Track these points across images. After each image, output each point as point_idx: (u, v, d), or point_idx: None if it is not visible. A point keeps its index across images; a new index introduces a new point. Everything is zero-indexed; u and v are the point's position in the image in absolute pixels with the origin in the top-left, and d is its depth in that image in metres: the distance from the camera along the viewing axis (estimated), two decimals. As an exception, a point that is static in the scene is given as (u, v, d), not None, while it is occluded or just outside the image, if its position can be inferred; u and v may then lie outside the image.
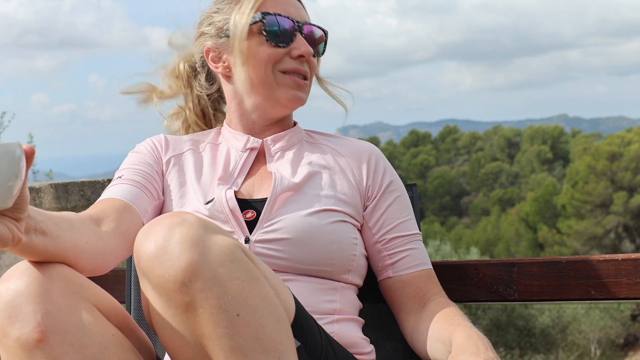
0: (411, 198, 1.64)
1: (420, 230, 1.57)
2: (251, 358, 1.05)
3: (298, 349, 1.15)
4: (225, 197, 1.44)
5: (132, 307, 1.68)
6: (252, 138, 1.55)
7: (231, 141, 1.56)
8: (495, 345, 12.52)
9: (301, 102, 1.53)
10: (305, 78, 1.53)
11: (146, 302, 1.13)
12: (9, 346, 1.07)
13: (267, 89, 1.51)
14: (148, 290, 1.11)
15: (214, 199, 1.45)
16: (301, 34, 1.51)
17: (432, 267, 1.53)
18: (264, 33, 1.49)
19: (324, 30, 1.57)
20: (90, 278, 1.21)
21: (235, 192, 1.47)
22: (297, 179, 1.48)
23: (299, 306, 1.23)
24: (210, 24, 1.55)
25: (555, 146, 49.26)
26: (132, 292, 1.69)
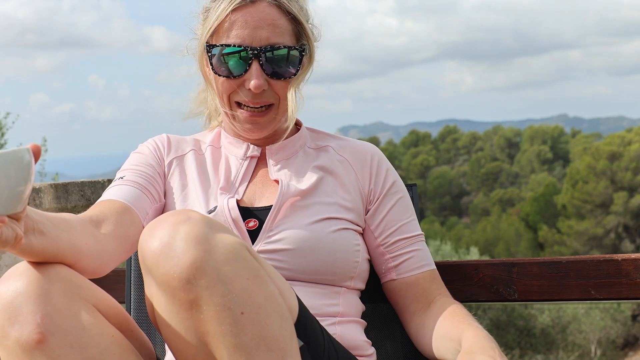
0: (411, 198, 1.63)
1: (422, 232, 1.56)
2: (255, 356, 1.05)
3: (301, 348, 1.15)
4: (228, 206, 1.43)
5: (131, 307, 1.68)
6: (251, 146, 1.52)
7: (230, 149, 1.54)
8: (495, 345, 12.53)
9: (258, 132, 1.47)
10: (267, 106, 1.45)
11: (150, 300, 1.13)
12: (9, 347, 1.07)
13: (229, 119, 1.49)
14: (152, 288, 1.10)
15: (216, 207, 1.43)
16: (259, 61, 1.41)
17: (435, 268, 1.52)
18: (212, 66, 1.45)
19: (297, 49, 1.44)
20: (90, 278, 1.21)
21: (237, 200, 1.45)
22: (301, 187, 1.46)
23: (302, 306, 1.23)
24: (194, 40, 1.53)
25: (555, 146, 49.27)
26: (132, 292, 1.69)
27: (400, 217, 1.52)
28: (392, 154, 48.84)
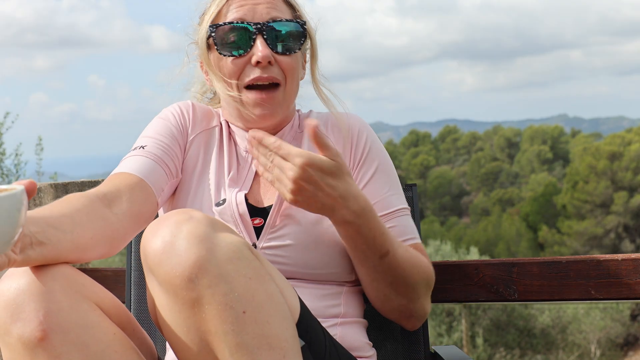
0: (411, 198, 1.63)
1: (406, 205, 1.50)
2: (256, 355, 1.05)
3: (302, 348, 1.15)
4: (236, 201, 1.43)
5: (132, 306, 1.68)
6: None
7: (235, 138, 1.54)
8: (495, 345, 12.52)
9: (269, 117, 1.46)
10: (273, 83, 1.44)
11: (152, 299, 1.14)
12: (11, 344, 1.07)
13: (237, 107, 1.47)
14: (154, 287, 1.11)
15: (225, 200, 1.44)
16: (262, 36, 1.43)
17: (420, 241, 1.49)
18: (216, 47, 1.45)
19: (298, 22, 1.46)
20: (91, 277, 1.21)
21: (245, 195, 1.45)
22: None
23: (303, 306, 1.23)
24: (196, 34, 1.53)
25: (555, 146, 49.27)
26: (132, 292, 1.69)
27: (377, 192, 1.48)
28: (392, 154, 48.28)
